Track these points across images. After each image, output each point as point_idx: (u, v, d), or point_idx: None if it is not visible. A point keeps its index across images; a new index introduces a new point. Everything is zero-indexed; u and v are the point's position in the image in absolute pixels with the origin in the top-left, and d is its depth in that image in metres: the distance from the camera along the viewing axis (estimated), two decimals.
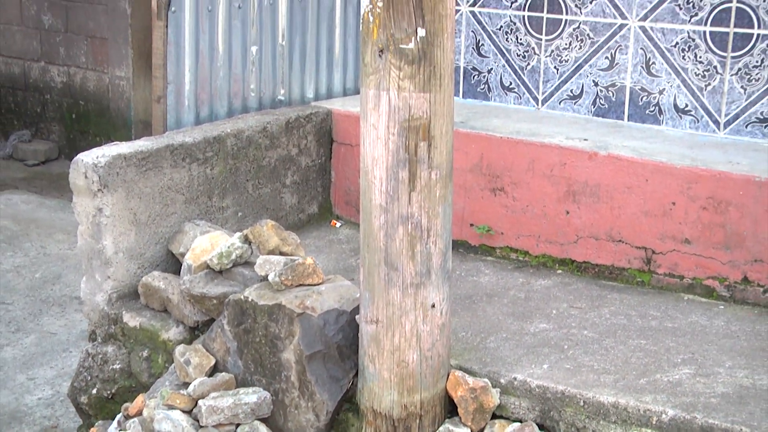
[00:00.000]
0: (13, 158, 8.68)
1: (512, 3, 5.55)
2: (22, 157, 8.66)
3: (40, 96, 8.98)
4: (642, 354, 3.92)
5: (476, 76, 5.77)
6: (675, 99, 5.14)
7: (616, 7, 5.22)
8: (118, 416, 4.21)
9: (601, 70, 5.33)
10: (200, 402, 3.83)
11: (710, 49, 5.00)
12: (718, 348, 3.98)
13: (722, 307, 4.43)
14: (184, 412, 3.88)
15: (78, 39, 8.53)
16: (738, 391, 3.60)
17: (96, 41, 8.40)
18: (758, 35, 4.86)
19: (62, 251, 5.72)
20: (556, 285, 4.71)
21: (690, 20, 5.03)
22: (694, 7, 5.00)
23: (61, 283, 5.33)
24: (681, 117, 5.14)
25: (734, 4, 4.90)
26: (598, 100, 5.37)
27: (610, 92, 5.33)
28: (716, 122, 5.04)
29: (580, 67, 5.40)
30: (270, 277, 3.95)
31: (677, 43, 5.08)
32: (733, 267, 4.48)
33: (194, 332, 4.34)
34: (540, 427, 3.64)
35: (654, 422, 3.47)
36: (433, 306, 3.53)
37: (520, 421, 3.68)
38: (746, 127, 4.96)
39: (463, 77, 5.80)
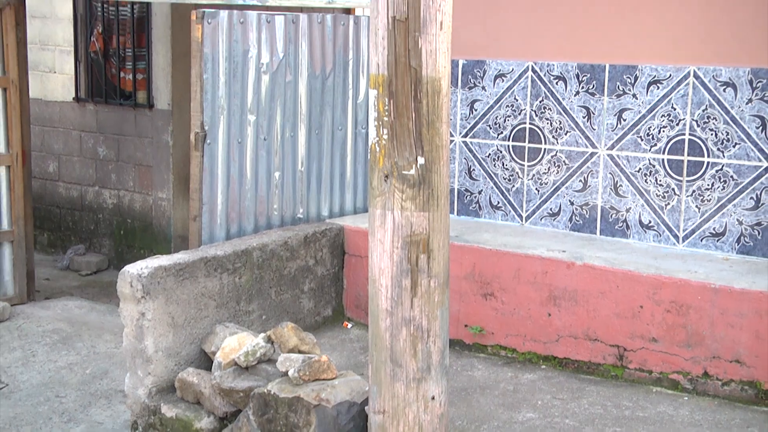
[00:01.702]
0: (69, 269, 8.67)
1: (499, 134, 5.60)
2: (77, 268, 8.66)
3: (93, 215, 9.03)
4: None
5: (468, 197, 5.79)
6: (640, 216, 5.14)
7: (587, 138, 5.27)
8: None
9: (576, 191, 5.35)
10: None
11: (668, 174, 5.02)
12: None
13: (686, 398, 4.36)
14: None
15: (127, 167, 8.61)
16: None
17: (142, 168, 8.48)
18: (708, 163, 4.88)
19: (109, 350, 5.65)
20: (540, 378, 4.64)
21: (650, 149, 5.06)
22: (653, 138, 5.04)
23: (108, 378, 5.26)
24: (645, 231, 5.13)
25: (687, 137, 4.94)
26: (573, 217, 5.37)
27: (584, 210, 5.33)
28: (676, 236, 5.03)
29: (557, 188, 5.41)
30: (290, 373, 3.89)
31: (640, 168, 5.11)
32: (694, 363, 4.42)
33: (223, 422, 4.26)
34: None
35: None
36: (433, 398, 3.47)
37: None
38: (701, 240, 4.95)
39: (457, 197, 5.82)
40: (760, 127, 4.73)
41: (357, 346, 5.15)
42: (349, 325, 5.54)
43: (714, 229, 4.91)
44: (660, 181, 5.05)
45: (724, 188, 4.86)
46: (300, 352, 4.12)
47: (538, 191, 5.49)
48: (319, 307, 5.48)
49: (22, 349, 5.67)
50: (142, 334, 4.38)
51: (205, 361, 4.59)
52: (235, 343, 4.28)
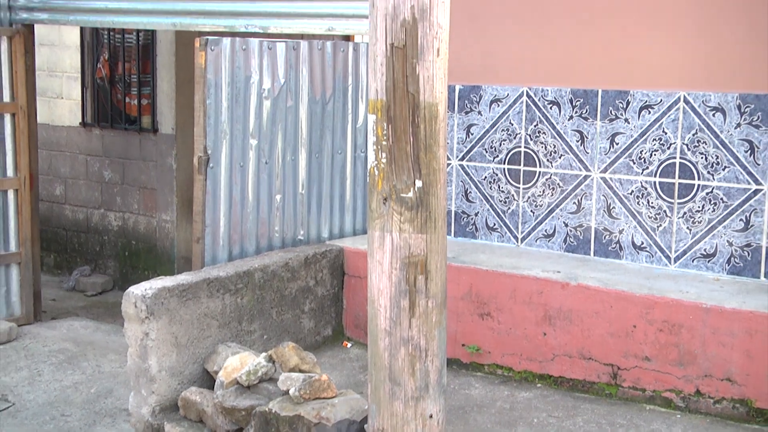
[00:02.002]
0: (75, 290, 8.67)
1: (494, 157, 5.62)
2: (83, 289, 8.65)
3: (99, 237, 9.03)
4: None
5: (465, 219, 5.79)
6: (632, 237, 5.14)
7: (581, 161, 5.28)
8: None
9: (570, 213, 5.35)
10: None
11: (660, 196, 5.03)
12: None
13: (679, 416, 4.34)
14: None
15: (132, 190, 8.62)
16: None
17: (147, 191, 8.49)
18: (698, 185, 4.90)
19: (114, 369, 5.64)
20: (536, 397, 4.62)
21: (642, 172, 5.07)
22: (645, 161, 5.05)
23: (112, 397, 5.24)
24: (638, 252, 5.13)
25: (678, 160, 4.95)
26: (568, 238, 5.38)
27: (578, 232, 5.34)
28: (668, 257, 5.03)
29: (552, 210, 5.42)
30: (291, 392, 3.88)
31: (632, 191, 5.12)
32: (687, 381, 4.41)
33: None
34: None
35: None
36: (431, 416, 3.45)
37: None
38: (693, 261, 4.95)
39: (454, 219, 5.83)
40: (749, 151, 4.74)
41: (356, 365, 5.14)
42: (349, 345, 5.52)
43: (705, 250, 4.92)
44: (652, 203, 5.06)
45: (714, 210, 4.86)
46: (300, 371, 4.11)
47: (533, 213, 5.50)
48: (319, 327, 5.47)
49: (28, 369, 5.66)
50: (146, 353, 4.37)
51: (208, 381, 4.57)
52: (237, 363, 4.27)
